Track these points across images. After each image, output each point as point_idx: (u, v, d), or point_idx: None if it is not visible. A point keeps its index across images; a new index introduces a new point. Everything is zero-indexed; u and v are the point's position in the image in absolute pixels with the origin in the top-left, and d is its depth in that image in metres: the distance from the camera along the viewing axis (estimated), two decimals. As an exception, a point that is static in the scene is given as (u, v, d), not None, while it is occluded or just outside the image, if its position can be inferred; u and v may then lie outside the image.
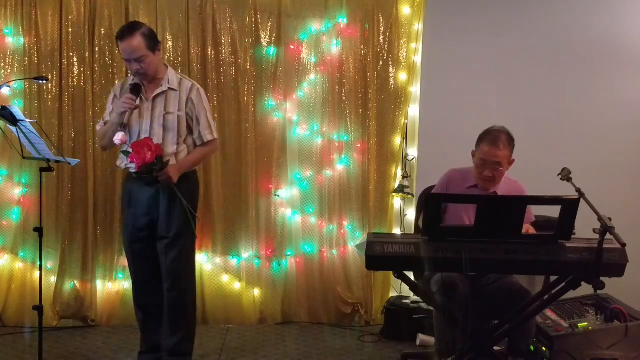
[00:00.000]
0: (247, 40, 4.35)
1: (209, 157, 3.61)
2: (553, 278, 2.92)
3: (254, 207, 4.40)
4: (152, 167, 3.09)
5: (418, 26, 4.50)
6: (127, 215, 3.40)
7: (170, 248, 3.30)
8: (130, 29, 3.19)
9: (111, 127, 3.25)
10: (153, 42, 3.21)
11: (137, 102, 3.21)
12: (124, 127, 3.19)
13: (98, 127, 3.43)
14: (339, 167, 4.51)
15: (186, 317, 3.42)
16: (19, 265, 4.26)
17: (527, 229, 2.98)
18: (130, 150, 3.10)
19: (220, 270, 4.41)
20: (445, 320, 2.99)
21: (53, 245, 4.24)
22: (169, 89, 3.29)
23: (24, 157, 3.34)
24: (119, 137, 3.14)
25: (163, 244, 3.31)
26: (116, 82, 4.23)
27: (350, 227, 4.53)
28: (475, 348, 2.97)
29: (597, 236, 2.61)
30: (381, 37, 4.46)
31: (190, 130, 3.33)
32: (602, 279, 2.60)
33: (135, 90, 3.21)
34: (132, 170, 3.28)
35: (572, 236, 2.72)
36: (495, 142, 3.13)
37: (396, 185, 4.53)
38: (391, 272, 3.34)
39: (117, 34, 3.22)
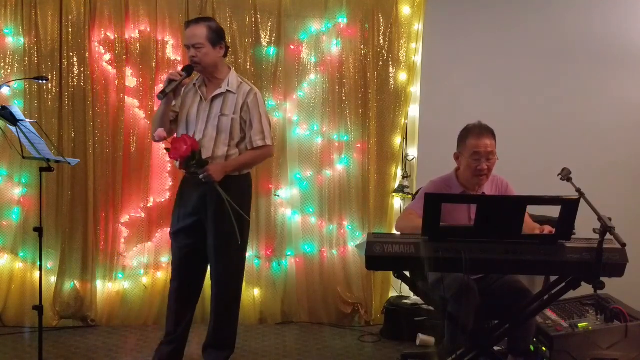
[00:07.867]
0: (247, 40, 4.35)
1: (260, 162, 3.56)
2: (553, 278, 2.92)
3: (254, 207, 4.37)
4: (189, 161, 3.11)
5: (418, 26, 4.51)
6: (176, 213, 3.43)
7: (218, 252, 3.33)
8: (199, 19, 3.33)
9: (160, 108, 3.30)
10: (216, 37, 3.26)
11: (186, 80, 3.26)
12: (165, 95, 3.18)
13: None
14: (339, 167, 4.51)
15: (231, 318, 3.49)
16: (19, 265, 4.26)
17: (549, 230, 2.90)
18: (169, 147, 3.15)
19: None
20: (457, 324, 2.97)
21: (53, 245, 4.23)
22: (228, 91, 3.30)
23: (24, 157, 3.34)
24: (158, 132, 3.18)
25: (212, 249, 3.33)
26: (116, 82, 4.26)
27: (350, 227, 4.53)
28: (475, 348, 2.97)
29: (597, 236, 2.60)
30: (381, 37, 4.47)
31: (244, 135, 3.33)
32: (602, 279, 2.59)
33: (187, 69, 3.27)
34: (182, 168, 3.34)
35: (572, 236, 2.71)
36: (482, 133, 3.16)
37: (396, 185, 4.54)
38: (391, 272, 3.33)
39: (185, 22, 3.39)
